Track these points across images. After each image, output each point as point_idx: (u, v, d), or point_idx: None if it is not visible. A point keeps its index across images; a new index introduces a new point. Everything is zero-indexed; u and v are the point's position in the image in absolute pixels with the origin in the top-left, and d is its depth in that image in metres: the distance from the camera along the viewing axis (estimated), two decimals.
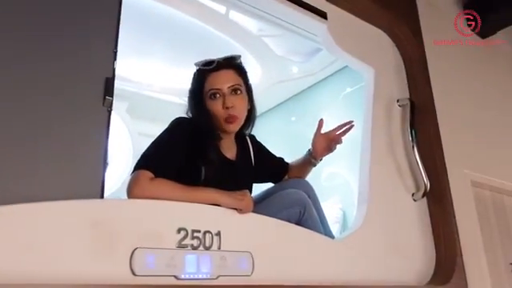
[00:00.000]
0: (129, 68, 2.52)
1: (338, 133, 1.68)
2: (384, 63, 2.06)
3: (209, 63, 1.41)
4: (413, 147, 1.87)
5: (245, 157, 1.58)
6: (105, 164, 1.08)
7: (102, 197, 1.05)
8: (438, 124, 2.03)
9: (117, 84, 1.19)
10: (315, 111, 2.74)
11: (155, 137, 1.33)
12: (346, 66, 2.45)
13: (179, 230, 1.09)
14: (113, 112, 1.18)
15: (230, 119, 1.39)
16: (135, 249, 1.00)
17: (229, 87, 1.40)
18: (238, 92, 1.42)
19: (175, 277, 1.05)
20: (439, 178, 1.90)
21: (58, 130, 1.07)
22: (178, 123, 1.37)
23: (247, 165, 1.58)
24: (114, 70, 1.19)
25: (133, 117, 2.77)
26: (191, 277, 1.07)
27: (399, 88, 2.08)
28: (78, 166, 1.06)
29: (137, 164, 1.21)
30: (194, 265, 1.08)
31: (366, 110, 1.92)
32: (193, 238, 1.11)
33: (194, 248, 1.10)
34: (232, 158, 1.49)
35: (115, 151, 2.57)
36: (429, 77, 2.11)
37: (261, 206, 1.42)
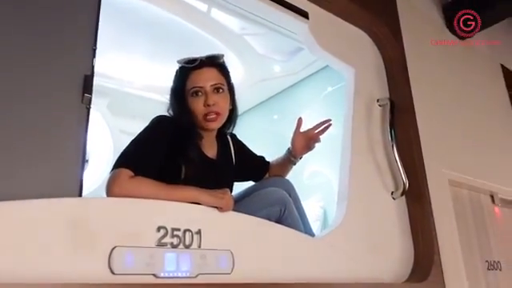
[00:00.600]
0: (110, 64, 2.49)
1: (316, 132, 1.69)
2: (364, 63, 2.08)
3: (192, 61, 1.41)
4: (392, 146, 1.89)
5: (225, 155, 1.58)
6: (83, 162, 1.07)
7: (80, 195, 1.04)
8: (417, 124, 2.06)
9: (97, 80, 1.18)
10: (297, 110, 2.75)
11: (136, 134, 1.32)
12: (328, 65, 2.46)
13: (159, 229, 1.09)
14: (93, 109, 1.17)
15: (211, 116, 1.38)
16: (114, 247, 0.99)
17: (211, 85, 1.40)
18: (220, 90, 1.42)
19: (154, 275, 1.04)
20: (418, 177, 1.93)
21: (36, 127, 1.05)
22: (158, 121, 1.37)
23: (228, 163, 1.58)
24: (93, 67, 1.18)
25: (114, 114, 2.74)
26: (171, 275, 1.07)
27: (379, 88, 2.10)
28: (55, 163, 1.04)
29: (116, 162, 1.20)
30: (173, 263, 1.08)
31: (346, 109, 1.94)
32: (173, 236, 1.10)
33: (174, 246, 1.10)
34: (213, 157, 1.49)
35: (95, 148, 2.54)
36: (408, 77, 2.14)
37: (241, 204, 1.42)
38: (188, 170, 1.33)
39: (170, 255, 1.08)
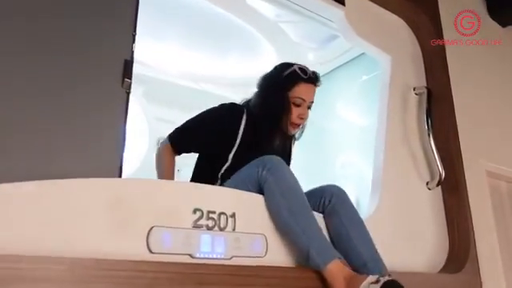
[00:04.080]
0: (145, 52, 2.54)
1: None
2: (401, 51, 2.05)
3: (305, 72, 1.53)
4: (428, 136, 1.86)
5: (284, 149, 1.66)
6: (123, 145, 1.10)
7: (120, 176, 1.08)
8: (454, 113, 2.01)
9: (133, 68, 1.22)
10: (331, 99, 2.73)
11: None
12: (362, 54, 2.43)
13: (195, 211, 1.11)
14: (131, 96, 1.21)
15: (296, 126, 1.55)
16: (152, 227, 1.03)
17: (310, 102, 1.54)
18: (310, 108, 1.56)
19: (190, 255, 1.07)
20: (454, 167, 1.90)
21: (79, 110, 1.09)
22: (219, 109, 1.53)
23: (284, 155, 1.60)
24: (132, 52, 1.21)
25: (149, 101, 2.79)
26: (206, 256, 1.09)
27: (416, 76, 2.06)
28: (97, 146, 1.08)
29: (170, 133, 1.52)
30: (208, 245, 1.11)
31: (381, 97, 1.91)
32: (208, 218, 1.13)
33: (209, 228, 1.12)
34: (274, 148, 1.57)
35: (132, 135, 2.59)
36: (447, 65, 2.08)
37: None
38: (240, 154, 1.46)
39: (205, 237, 1.11)
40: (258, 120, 1.50)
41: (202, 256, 1.08)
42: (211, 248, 1.11)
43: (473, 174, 1.96)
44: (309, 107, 1.55)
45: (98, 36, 1.18)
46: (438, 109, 1.95)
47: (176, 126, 1.52)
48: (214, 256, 1.11)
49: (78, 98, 1.11)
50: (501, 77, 2.52)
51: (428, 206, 1.84)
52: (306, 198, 1.26)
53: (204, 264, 1.07)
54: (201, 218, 1.12)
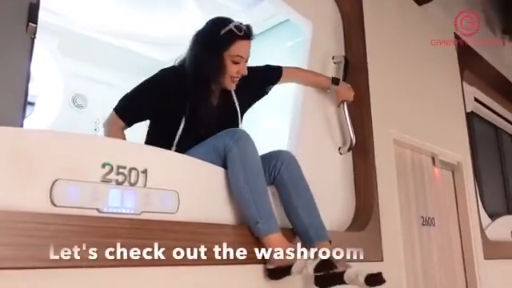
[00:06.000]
0: (62, 1, 2.37)
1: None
2: (323, 18, 2.09)
3: (240, 29, 1.50)
4: (343, 103, 1.94)
5: (228, 102, 1.65)
6: (26, 92, 1.04)
7: (21, 126, 1.02)
8: (368, 83, 2.11)
9: (48, 18, 1.14)
10: (255, 63, 2.73)
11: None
12: (288, 20, 2.45)
13: (104, 165, 1.09)
14: (43, 48, 1.14)
15: (235, 80, 1.56)
16: (56, 180, 0.99)
17: (247, 57, 1.55)
18: (247, 61, 1.57)
19: (98, 210, 1.05)
20: (365, 134, 2.01)
21: None
22: (160, 75, 1.52)
23: (230, 108, 1.65)
24: None
25: (65, 55, 2.63)
26: (114, 211, 1.08)
27: (336, 45, 2.13)
28: None
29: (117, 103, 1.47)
30: (117, 199, 1.09)
31: (302, 64, 1.96)
32: (118, 173, 1.11)
33: (119, 183, 1.11)
34: (216, 104, 1.59)
35: (45, 89, 2.44)
36: (364, 36, 2.17)
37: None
38: (191, 119, 1.47)
39: (114, 191, 1.09)
40: (192, 82, 1.50)
41: (110, 210, 1.07)
42: (120, 203, 1.10)
43: (381, 141, 2.09)
44: (246, 61, 1.56)
45: None
46: (353, 78, 2.04)
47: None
48: (123, 211, 1.10)
49: None
50: (414, 51, 2.66)
51: (339, 170, 1.94)
52: (262, 171, 1.39)
53: (111, 218, 1.06)
54: (110, 172, 1.09)
